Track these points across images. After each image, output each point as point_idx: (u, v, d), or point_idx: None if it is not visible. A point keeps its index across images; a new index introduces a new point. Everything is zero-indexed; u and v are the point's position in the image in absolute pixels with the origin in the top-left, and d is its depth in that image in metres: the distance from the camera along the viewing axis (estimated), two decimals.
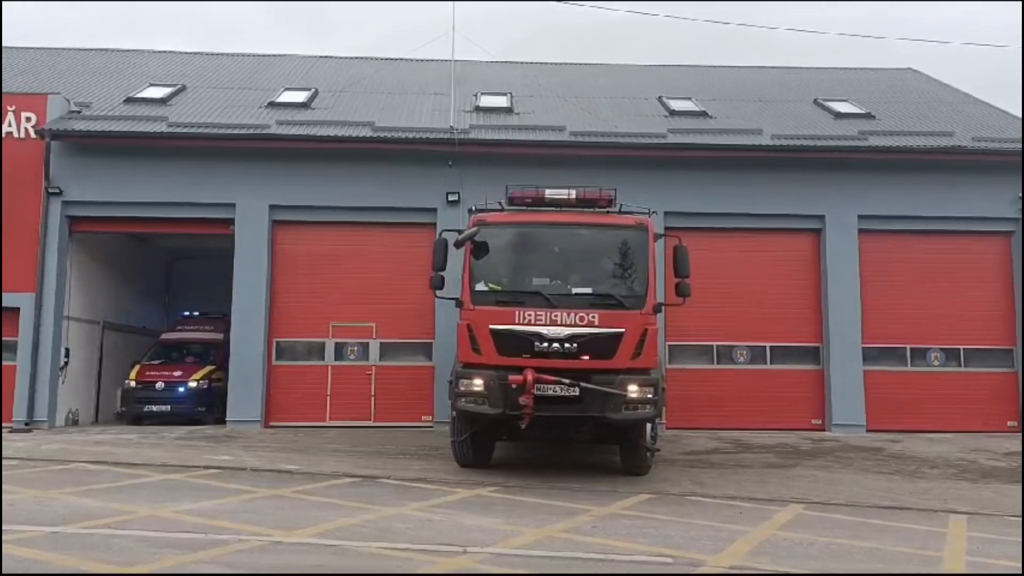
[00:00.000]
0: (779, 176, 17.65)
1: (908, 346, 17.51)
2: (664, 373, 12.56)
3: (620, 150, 17.60)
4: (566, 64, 25.63)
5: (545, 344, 9.11)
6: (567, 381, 8.87)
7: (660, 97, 21.14)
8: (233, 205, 17.41)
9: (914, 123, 19.38)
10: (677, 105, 20.30)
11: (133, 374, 17.87)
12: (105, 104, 19.01)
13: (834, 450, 13.05)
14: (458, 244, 10.00)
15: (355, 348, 17.50)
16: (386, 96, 20.69)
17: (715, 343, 17.53)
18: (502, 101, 20.22)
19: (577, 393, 8.86)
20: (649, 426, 12.65)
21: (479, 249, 9.89)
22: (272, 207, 17.51)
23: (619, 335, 9.16)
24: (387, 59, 25.01)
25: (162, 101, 19.40)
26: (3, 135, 17.33)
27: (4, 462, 9.33)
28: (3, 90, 18.17)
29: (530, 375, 8.79)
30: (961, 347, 17.44)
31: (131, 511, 6.62)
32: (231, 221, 17.44)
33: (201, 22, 63.04)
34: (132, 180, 17.33)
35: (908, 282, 17.57)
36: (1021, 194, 16.93)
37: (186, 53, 24.95)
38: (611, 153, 17.57)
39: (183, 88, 20.49)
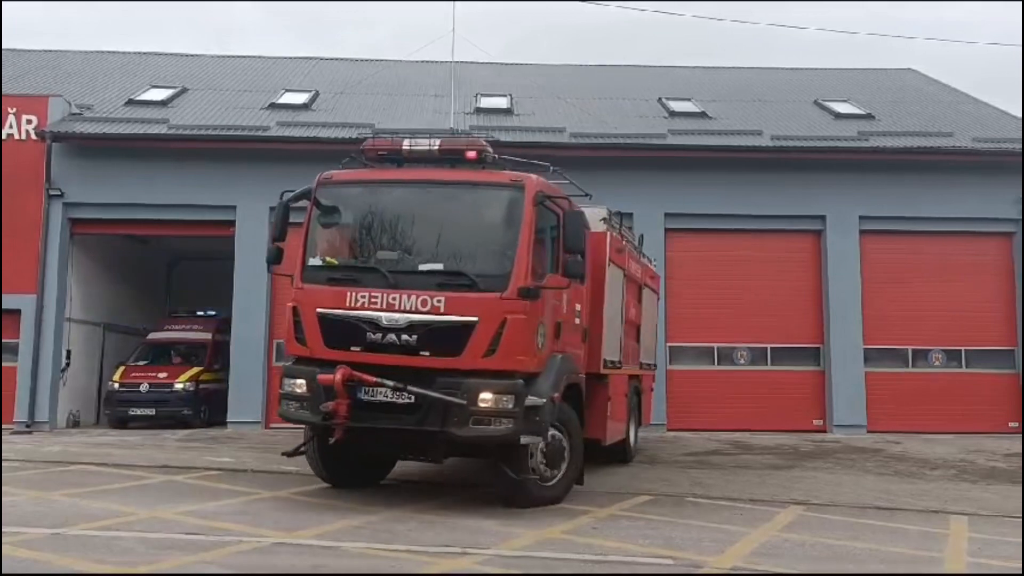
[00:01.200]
0: (779, 177, 17.66)
1: (909, 347, 17.51)
2: (639, 376, 11.68)
3: (620, 151, 17.61)
4: (566, 65, 25.65)
5: (379, 335, 7.13)
6: (391, 383, 6.92)
7: (660, 98, 21.15)
8: (234, 207, 17.43)
9: (914, 123, 19.38)
10: (677, 106, 20.32)
11: (117, 376, 17.23)
12: (106, 106, 19.03)
13: (835, 451, 13.04)
14: (286, 201, 8.33)
15: None
16: (387, 97, 20.70)
17: (716, 344, 17.53)
18: (502, 102, 20.23)
19: (411, 400, 6.91)
20: (633, 434, 11.66)
21: (321, 214, 8.03)
22: (272, 209, 17.50)
23: (469, 325, 7.03)
24: (387, 60, 25.04)
25: (163, 103, 19.42)
26: (4, 137, 17.35)
27: (5, 464, 9.34)
28: (4, 92, 18.17)
29: (340, 373, 6.90)
30: (962, 348, 17.43)
31: (132, 512, 6.63)
32: (232, 223, 17.46)
33: (203, 24, 63.08)
34: (133, 182, 17.34)
35: (909, 283, 17.58)
36: (1022, 194, 16.92)
37: (187, 55, 24.97)
38: (611, 154, 17.57)
39: (184, 90, 20.51)
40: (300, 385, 7.31)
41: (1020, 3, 32.70)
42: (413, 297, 7.16)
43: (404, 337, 7.08)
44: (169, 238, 19.74)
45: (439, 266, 7.39)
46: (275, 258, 8.15)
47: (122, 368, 17.40)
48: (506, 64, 25.30)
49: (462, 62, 22.59)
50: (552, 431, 7.58)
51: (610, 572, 5.28)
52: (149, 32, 59.41)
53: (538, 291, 7.28)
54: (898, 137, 18.19)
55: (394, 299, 7.18)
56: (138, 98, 19.71)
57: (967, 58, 41.70)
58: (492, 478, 7.69)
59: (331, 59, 25.19)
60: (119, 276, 19.36)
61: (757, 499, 8.23)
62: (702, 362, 17.54)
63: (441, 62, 22.92)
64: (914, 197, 17.43)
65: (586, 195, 9.55)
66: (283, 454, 8.02)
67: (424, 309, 7.12)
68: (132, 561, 4.96)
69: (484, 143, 8.15)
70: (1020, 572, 5.59)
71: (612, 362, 9.71)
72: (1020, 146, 16.90)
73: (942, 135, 18.25)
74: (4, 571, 4.53)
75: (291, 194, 8.40)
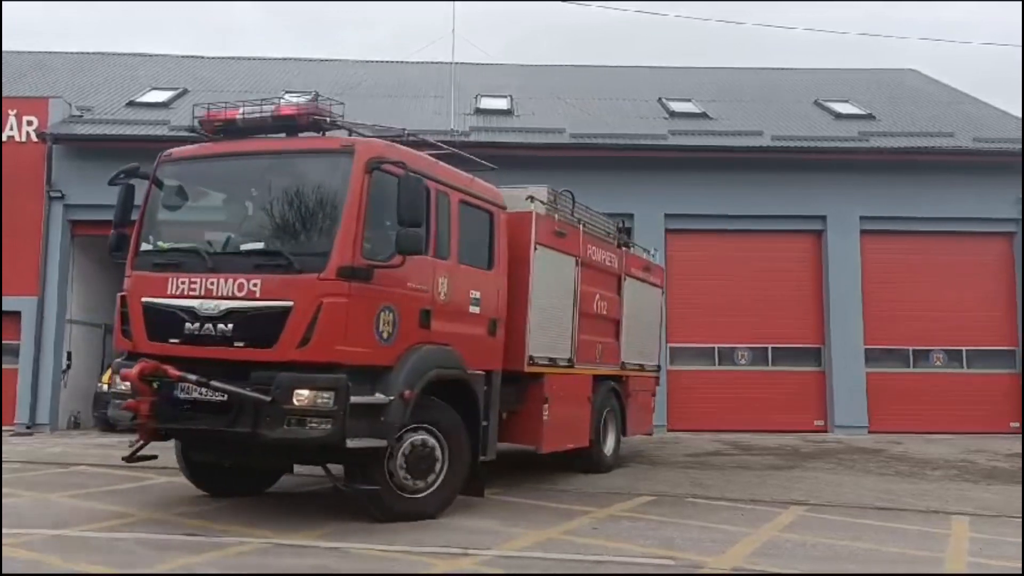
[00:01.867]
0: (780, 177, 17.65)
1: (910, 347, 17.50)
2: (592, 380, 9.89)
3: (620, 152, 17.62)
4: (566, 66, 25.65)
5: (197, 324, 6.37)
6: (194, 378, 6.13)
7: (660, 98, 21.16)
8: None
9: (915, 124, 19.39)
10: (677, 106, 20.33)
11: (105, 377, 15.95)
12: (107, 108, 19.05)
13: (836, 451, 13.03)
14: (111, 182, 7.49)
15: None
16: (386, 99, 20.72)
17: (716, 344, 17.53)
18: (502, 103, 20.24)
19: (224, 398, 6.10)
20: (611, 442, 10.47)
21: (158, 195, 7.30)
22: None
23: (284, 311, 6.18)
24: (387, 62, 25.06)
25: (163, 105, 19.44)
26: (4, 139, 17.36)
27: (6, 465, 9.34)
28: (5, 94, 18.18)
29: (137, 368, 6.17)
30: (963, 348, 17.43)
31: (133, 514, 6.62)
32: None
33: (203, 25, 63.12)
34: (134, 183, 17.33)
35: (910, 283, 17.58)
36: (1022, 194, 16.93)
37: (187, 57, 24.98)
38: (611, 155, 17.58)
39: (184, 92, 20.52)
40: (125, 382, 6.45)
41: (1020, 3, 32.74)
42: (230, 281, 6.37)
43: (220, 327, 6.30)
44: None
45: (260, 244, 6.61)
46: (115, 245, 7.17)
47: (111, 369, 16.97)
48: (506, 65, 25.31)
49: (462, 63, 22.59)
50: (419, 435, 6.72)
51: (610, 572, 5.28)
52: (150, 33, 59.46)
53: (368, 271, 6.30)
54: (899, 137, 18.19)
55: (212, 284, 6.41)
56: (139, 100, 19.73)
57: (965, 58, 41.68)
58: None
59: (330, 60, 25.23)
60: (120, 277, 19.32)
61: (758, 499, 8.23)
62: (703, 362, 17.54)
63: (441, 63, 22.93)
64: (915, 197, 17.43)
65: (492, 168, 9.03)
66: (123, 459, 6.89)
67: (240, 294, 6.32)
68: (133, 562, 4.96)
69: (323, 108, 7.30)
70: (1020, 572, 5.58)
71: (552, 359, 8.81)
72: (1020, 146, 16.90)
73: (943, 135, 18.26)
74: (4, 571, 4.52)
75: (124, 175, 7.55)
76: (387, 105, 20.23)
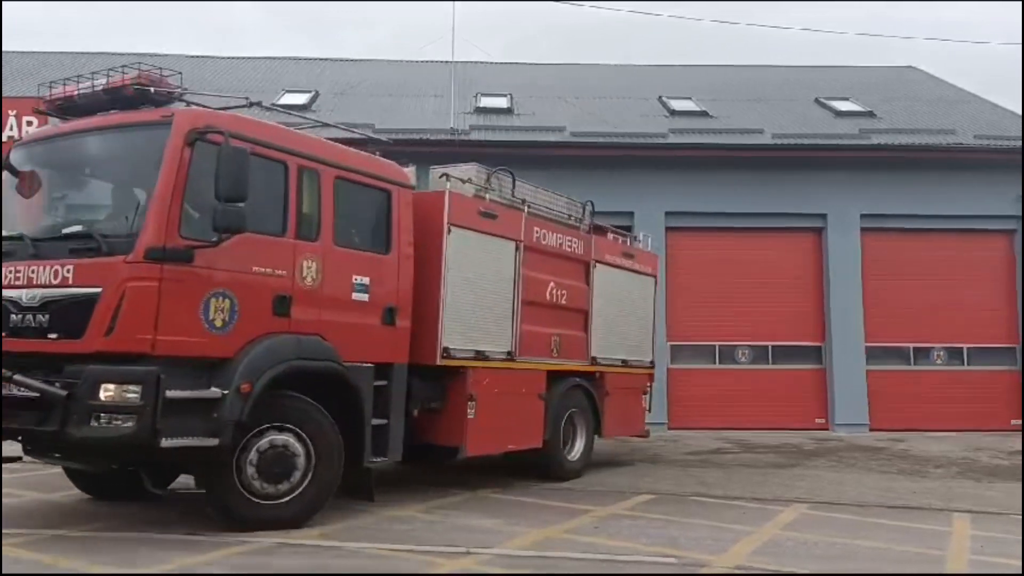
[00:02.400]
0: (780, 175, 17.64)
1: (911, 345, 17.50)
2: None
3: (621, 150, 17.61)
4: (566, 64, 25.65)
5: (20, 315, 5.95)
6: (5, 372, 5.67)
7: (660, 97, 21.15)
8: None
9: (916, 121, 19.37)
10: (678, 105, 20.32)
11: None
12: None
13: (837, 450, 13.03)
14: None
15: None
16: (387, 98, 20.71)
17: (717, 343, 17.52)
18: (502, 102, 20.23)
19: (37, 394, 5.60)
20: (579, 445, 9.55)
21: (9, 182, 6.76)
22: None
23: (93, 298, 5.69)
24: (388, 61, 25.05)
25: None
26: (4, 139, 17.35)
27: (10, 465, 9.35)
28: (5, 95, 18.18)
29: None
30: (964, 346, 17.43)
31: (135, 513, 6.62)
32: None
33: (203, 25, 63.09)
34: None
35: (911, 281, 17.57)
36: (1022, 193, 16.92)
37: (187, 56, 24.96)
38: (611, 153, 17.57)
39: (184, 91, 20.48)
40: None
41: (1019, 2, 32.74)
42: (47, 268, 5.92)
43: (39, 317, 5.87)
44: None
45: (77, 228, 6.14)
46: None
47: None
48: (506, 64, 25.31)
49: (462, 62, 22.60)
50: (282, 436, 6.15)
51: (613, 572, 5.28)
52: (150, 33, 59.44)
53: (187, 253, 5.71)
54: (900, 135, 18.18)
55: (33, 272, 5.97)
56: None
57: (966, 58, 41.67)
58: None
59: (331, 59, 25.21)
60: None
61: (760, 498, 8.23)
62: (703, 361, 17.54)
63: (441, 62, 22.94)
64: (915, 195, 17.42)
65: (386, 145, 8.28)
66: None
67: (56, 281, 5.87)
68: (135, 561, 4.96)
69: (154, 77, 6.85)
70: (1020, 572, 5.58)
71: (481, 352, 8.10)
72: (1020, 143, 16.89)
73: (944, 132, 18.24)
74: (4, 571, 4.51)
75: None
76: (388, 104, 20.22)
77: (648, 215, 17.40)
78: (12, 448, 6.07)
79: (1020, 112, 19.61)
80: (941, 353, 17.46)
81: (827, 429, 16.93)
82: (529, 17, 64.02)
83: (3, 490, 6.79)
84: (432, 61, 23.95)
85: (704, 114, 19.68)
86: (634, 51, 56.71)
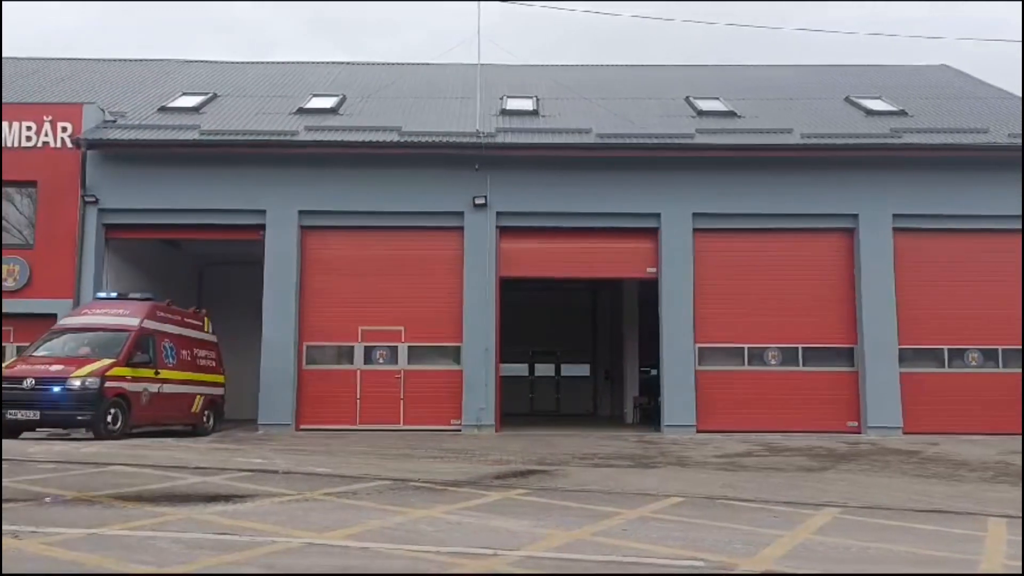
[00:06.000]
0: (810, 176, 17.49)
1: (945, 347, 17.24)
2: None
3: (647, 151, 17.56)
4: (592, 66, 25.63)
5: None
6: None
7: (687, 97, 21.05)
8: (263, 211, 17.66)
9: (948, 120, 19.10)
10: (705, 105, 20.21)
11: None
12: (139, 113, 19.38)
13: (870, 453, 12.86)
14: None
15: (384, 352, 17.66)
16: (413, 101, 20.84)
17: (746, 345, 17.39)
18: (528, 104, 20.25)
19: None
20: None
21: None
22: (301, 213, 17.74)
23: None
24: (414, 64, 25.22)
25: (194, 110, 19.72)
26: (39, 145, 17.70)
27: (42, 465, 9.51)
28: (40, 101, 18.56)
29: None
30: (999, 347, 17.14)
31: (166, 512, 6.69)
32: (261, 227, 17.69)
33: (233, 31, 63.88)
34: (165, 187, 17.63)
35: (944, 281, 17.33)
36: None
37: (218, 62, 25.30)
38: (638, 154, 17.53)
39: (214, 96, 20.79)
40: None
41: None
42: None
43: None
44: (200, 242, 20.03)
45: None
46: None
47: (12, 360, 14.85)
48: (532, 66, 25.34)
49: (488, 64, 22.65)
50: None
51: (640, 573, 5.24)
52: (180, 39, 60.28)
53: None
54: (932, 134, 17.94)
55: None
56: (170, 105, 20.04)
57: (999, 57, 40.93)
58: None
59: (358, 64, 25.44)
60: (153, 280, 19.68)
61: (790, 501, 8.13)
62: (732, 363, 17.42)
63: (467, 65, 23.00)
64: (948, 194, 17.18)
65: None
66: None
67: None
68: (166, 561, 5.01)
69: None
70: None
71: None
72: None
73: (977, 131, 17.97)
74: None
75: None
76: (413, 106, 20.34)
77: (675, 216, 17.32)
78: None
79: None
80: (976, 355, 17.17)
81: (859, 432, 16.73)
82: (553, 23, 64.00)
83: (39, 489, 6.88)
84: (458, 64, 24.05)
85: (732, 114, 19.55)
86: (662, 53, 56.45)
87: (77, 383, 13.56)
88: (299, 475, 9.38)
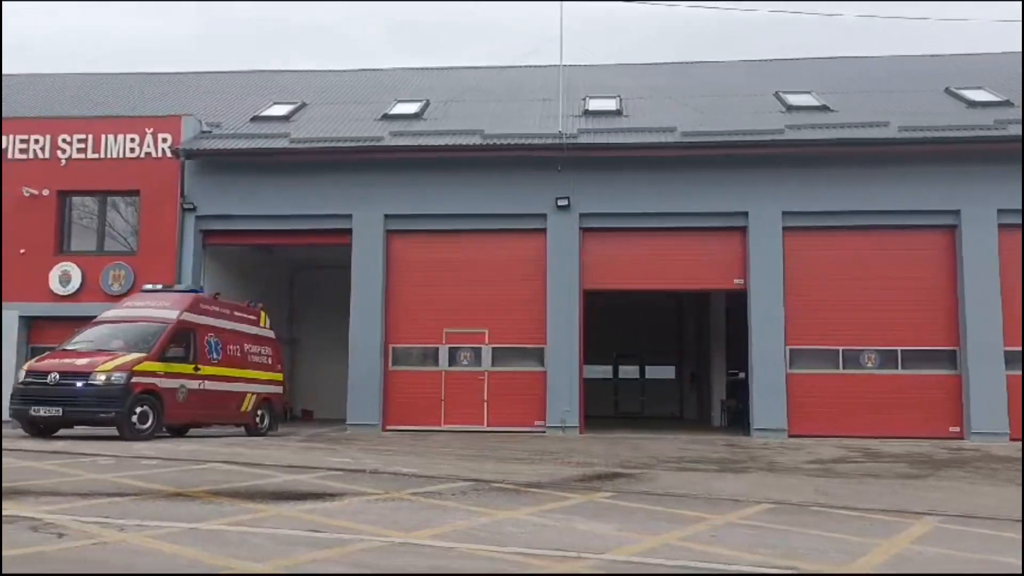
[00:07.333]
0: (909, 170, 16.83)
1: None
2: None
3: (734, 149, 17.20)
4: (677, 63, 25.27)
5: None
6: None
7: (776, 92, 20.54)
8: (350, 216, 18.07)
9: None
10: (795, 99, 19.68)
11: (28, 364, 14.00)
12: (233, 123, 20.13)
13: (973, 460, 12.25)
14: None
15: (468, 354, 17.82)
16: (495, 104, 20.97)
17: (840, 347, 16.84)
18: (611, 104, 20.11)
19: None
20: None
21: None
22: (387, 217, 18.08)
23: None
24: (495, 67, 25.40)
25: (284, 118, 20.35)
26: (143, 156, 18.60)
27: (145, 462, 9.97)
28: (142, 114, 19.51)
29: None
30: None
31: (260, 509, 6.91)
32: (348, 231, 18.09)
33: (321, 40, 65.70)
34: (258, 194, 18.26)
35: None
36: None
37: (306, 71, 26.04)
38: (724, 152, 17.19)
39: (303, 105, 21.41)
40: None
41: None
42: None
43: None
44: (291, 247, 20.66)
45: None
46: None
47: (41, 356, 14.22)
48: (615, 65, 25.17)
49: (570, 65, 22.61)
50: None
51: None
52: (271, 50, 62.36)
53: None
54: None
55: None
56: (262, 114, 20.74)
57: None
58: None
59: (440, 68, 25.78)
60: (247, 285, 20.40)
61: (888, 509, 7.81)
62: (826, 366, 16.89)
63: (549, 66, 23.02)
64: None
65: None
66: None
67: None
68: (262, 556, 5.16)
69: None
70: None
71: None
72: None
73: None
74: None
75: None
76: (496, 110, 20.47)
77: (764, 215, 16.92)
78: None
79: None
80: None
81: (961, 438, 15.98)
82: (638, 22, 63.40)
83: (142, 484, 7.20)
84: (540, 66, 24.11)
85: (824, 108, 18.97)
86: (751, 48, 55.21)
87: (102, 378, 12.76)
88: (386, 475, 9.55)
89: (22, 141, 19.01)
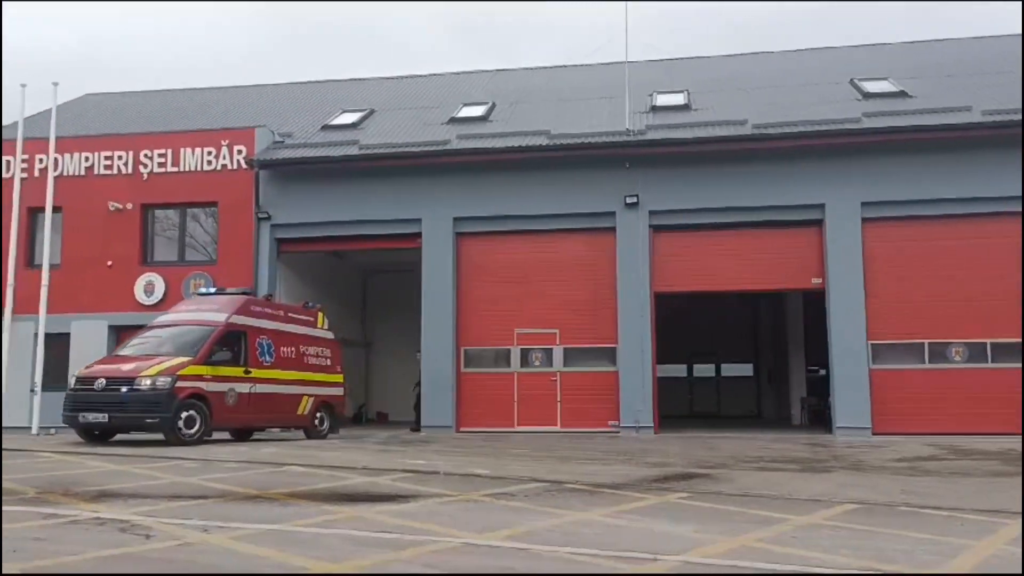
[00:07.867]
0: (996, 155, 16.12)
1: None
2: None
3: (808, 139, 16.75)
4: (747, 54, 24.75)
5: None
6: None
7: (852, 79, 19.92)
8: (419, 220, 18.26)
9: None
10: (871, 87, 19.06)
11: (80, 369, 13.93)
12: (304, 132, 20.59)
13: None
14: None
15: (540, 355, 17.79)
16: (561, 103, 20.91)
17: (926, 341, 16.23)
18: (678, 99, 19.82)
19: None
20: None
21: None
22: (455, 219, 18.20)
23: None
24: (560, 67, 25.34)
25: (353, 126, 20.71)
26: (219, 168, 19.17)
27: (228, 464, 10.24)
28: (218, 127, 20.12)
29: None
30: None
31: (336, 511, 7.01)
32: (418, 235, 18.29)
33: (387, 49, 66.73)
34: (329, 201, 18.63)
35: None
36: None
37: (373, 79, 26.47)
38: (798, 144, 16.76)
39: (372, 112, 21.75)
40: None
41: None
42: None
43: None
44: (363, 252, 21.00)
45: None
46: None
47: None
48: (682, 59, 24.82)
49: (635, 62, 22.37)
50: None
51: None
52: (337, 61, 63.63)
53: None
54: None
55: None
56: (331, 123, 21.15)
57: None
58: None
59: (505, 70, 25.86)
60: (321, 290, 20.81)
61: (980, 508, 7.44)
62: (910, 360, 16.29)
63: (614, 63, 22.83)
64: None
65: None
66: None
67: None
68: (337, 556, 5.23)
69: None
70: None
71: None
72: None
73: None
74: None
75: None
76: (562, 109, 20.40)
77: (842, 206, 16.42)
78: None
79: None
80: None
81: None
82: (704, 15, 62.44)
83: (222, 487, 7.39)
84: (605, 63, 23.93)
85: (902, 95, 18.31)
86: (821, 37, 53.71)
87: (147, 383, 12.64)
88: (459, 476, 9.58)
89: (107, 158, 19.82)
